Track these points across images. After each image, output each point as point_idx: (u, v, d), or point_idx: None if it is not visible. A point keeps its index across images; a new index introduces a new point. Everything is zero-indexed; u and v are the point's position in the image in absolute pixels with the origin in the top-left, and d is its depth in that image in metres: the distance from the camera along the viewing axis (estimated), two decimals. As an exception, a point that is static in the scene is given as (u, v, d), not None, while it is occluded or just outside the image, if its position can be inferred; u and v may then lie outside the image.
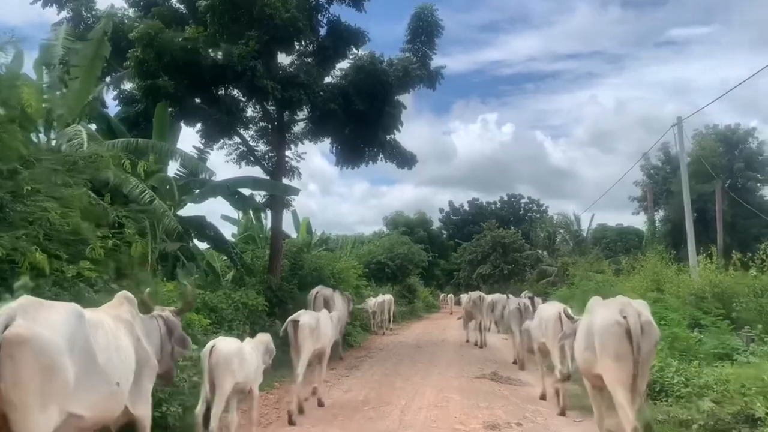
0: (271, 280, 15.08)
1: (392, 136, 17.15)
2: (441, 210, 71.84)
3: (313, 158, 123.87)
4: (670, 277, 20.81)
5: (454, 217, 71.96)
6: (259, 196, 17.25)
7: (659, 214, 45.70)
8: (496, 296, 18.39)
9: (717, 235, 37.23)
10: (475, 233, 55.42)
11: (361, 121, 16.33)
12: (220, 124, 15.81)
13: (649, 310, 5.80)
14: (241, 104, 16.42)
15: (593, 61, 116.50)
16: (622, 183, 69.60)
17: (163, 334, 5.10)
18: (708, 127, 44.96)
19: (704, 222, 40.37)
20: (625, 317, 5.43)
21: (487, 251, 51.49)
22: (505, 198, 74.01)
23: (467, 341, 19.37)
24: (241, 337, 7.38)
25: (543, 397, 9.85)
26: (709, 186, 40.23)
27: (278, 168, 17.00)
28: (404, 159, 17.55)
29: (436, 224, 59.42)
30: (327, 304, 12.80)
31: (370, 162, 17.57)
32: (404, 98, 16.68)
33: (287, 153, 17.27)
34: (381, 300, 23.98)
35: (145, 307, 5.06)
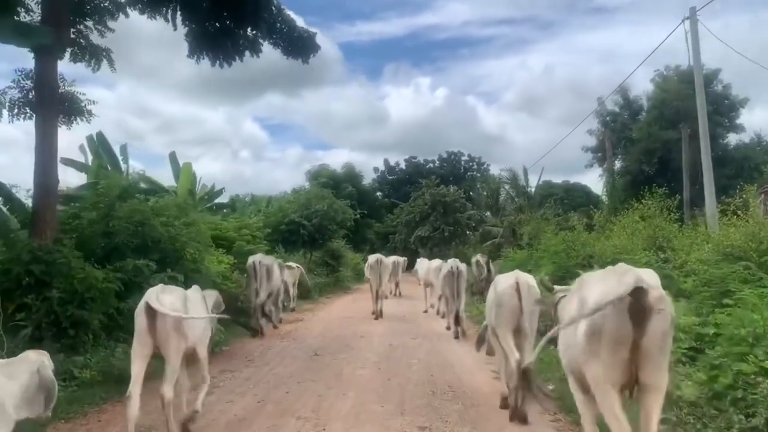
0: (33, 245, 8.26)
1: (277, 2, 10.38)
2: (375, 169, 65.64)
3: (244, 122, 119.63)
4: (674, 233, 15.38)
5: (390, 177, 65.80)
6: None
7: (616, 166, 40.85)
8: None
9: (683, 186, 32.32)
10: (413, 193, 49.58)
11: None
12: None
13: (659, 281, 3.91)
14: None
15: (526, 27, 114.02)
16: (566, 143, 66.86)
17: None
18: (669, 68, 40.06)
19: (667, 172, 36.14)
20: (638, 293, 3.65)
21: (426, 211, 45.90)
22: (445, 156, 68.39)
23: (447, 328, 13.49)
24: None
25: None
26: (673, 133, 35.99)
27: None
28: (297, 42, 10.77)
29: (370, 183, 52.97)
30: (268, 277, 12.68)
31: (247, 52, 10.82)
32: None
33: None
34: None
35: None
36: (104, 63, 10.68)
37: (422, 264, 20.60)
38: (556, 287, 5.86)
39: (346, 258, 31.02)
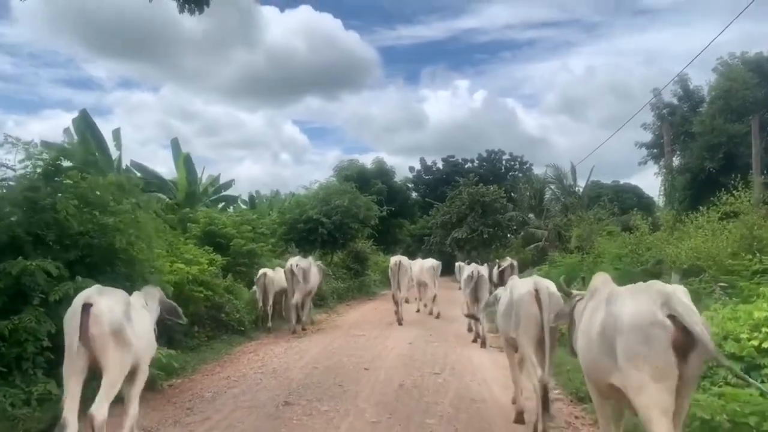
0: None
1: None
2: (411, 168, 62.41)
3: (284, 125, 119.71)
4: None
5: (426, 177, 62.54)
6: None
7: (674, 163, 37.11)
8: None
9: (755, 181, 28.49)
10: (450, 193, 46.41)
11: None
12: None
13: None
14: None
15: (569, 30, 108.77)
16: (613, 144, 62.78)
17: None
18: (733, 56, 36.15)
19: (732, 169, 32.31)
20: (670, 314, 3.63)
21: (463, 212, 42.64)
22: (484, 155, 64.79)
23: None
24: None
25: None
26: (740, 126, 32.42)
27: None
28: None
29: (403, 180, 49.90)
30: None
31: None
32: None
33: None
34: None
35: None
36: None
37: (415, 264, 18.24)
38: (574, 291, 5.53)
39: (372, 260, 28.12)
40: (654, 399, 3.56)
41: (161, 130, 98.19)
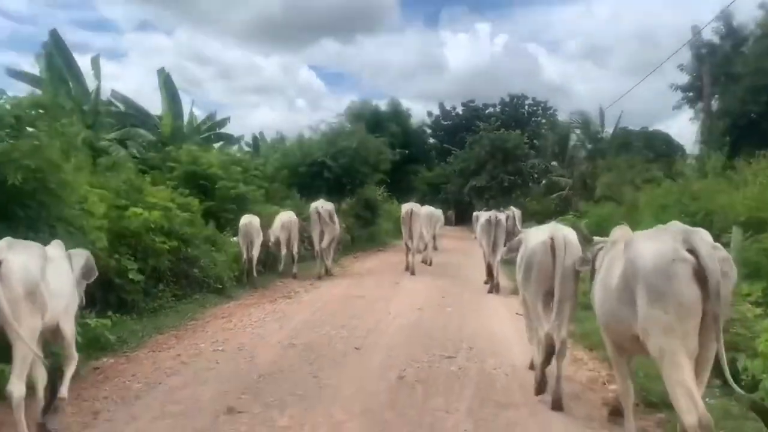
0: None
1: None
2: (429, 113, 59.43)
3: (299, 70, 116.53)
4: None
5: (445, 122, 59.55)
6: None
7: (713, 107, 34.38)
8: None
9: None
10: (470, 138, 43.77)
11: None
12: None
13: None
14: None
15: None
16: (642, 90, 59.06)
17: None
18: (780, -13, 32.68)
19: (783, 118, 29.57)
20: (691, 251, 3.52)
21: (483, 158, 40.20)
22: (507, 99, 61.55)
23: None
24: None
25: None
26: None
27: None
28: None
29: (419, 124, 47.31)
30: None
31: None
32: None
33: None
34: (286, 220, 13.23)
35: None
36: None
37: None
38: (596, 238, 5.24)
39: (384, 208, 26.08)
40: (678, 341, 3.47)
41: (176, 74, 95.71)
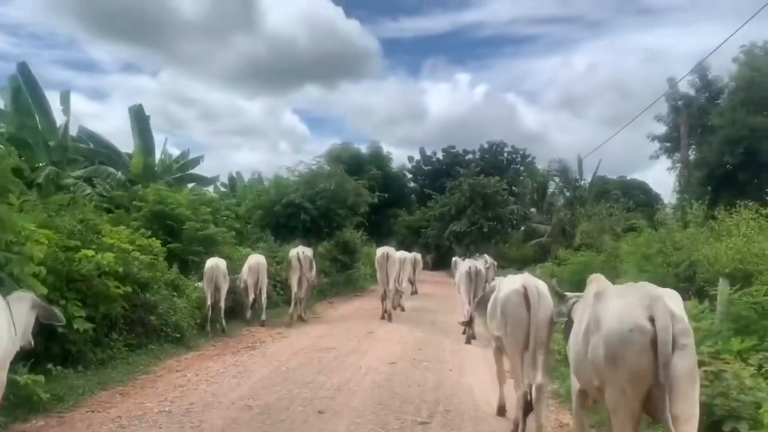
0: None
1: None
2: (410, 158, 59.61)
3: (283, 114, 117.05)
4: None
5: (426, 167, 59.78)
6: None
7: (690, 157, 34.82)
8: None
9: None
10: (450, 183, 43.85)
11: None
12: None
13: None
14: None
15: (572, 27, 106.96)
16: (618, 140, 60.26)
17: None
18: (755, 45, 33.72)
19: (753, 165, 30.01)
20: (651, 319, 3.58)
21: (463, 203, 40.14)
22: (486, 147, 62.07)
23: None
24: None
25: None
26: (763, 118, 30.47)
27: None
28: None
29: (399, 168, 47.26)
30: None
31: None
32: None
33: None
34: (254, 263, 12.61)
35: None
36: None
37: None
38: (569, 294, 5.11)
39: (363, 252, 25.52)
40: (628, 402, 3.60)
41: (160, 116, 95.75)
